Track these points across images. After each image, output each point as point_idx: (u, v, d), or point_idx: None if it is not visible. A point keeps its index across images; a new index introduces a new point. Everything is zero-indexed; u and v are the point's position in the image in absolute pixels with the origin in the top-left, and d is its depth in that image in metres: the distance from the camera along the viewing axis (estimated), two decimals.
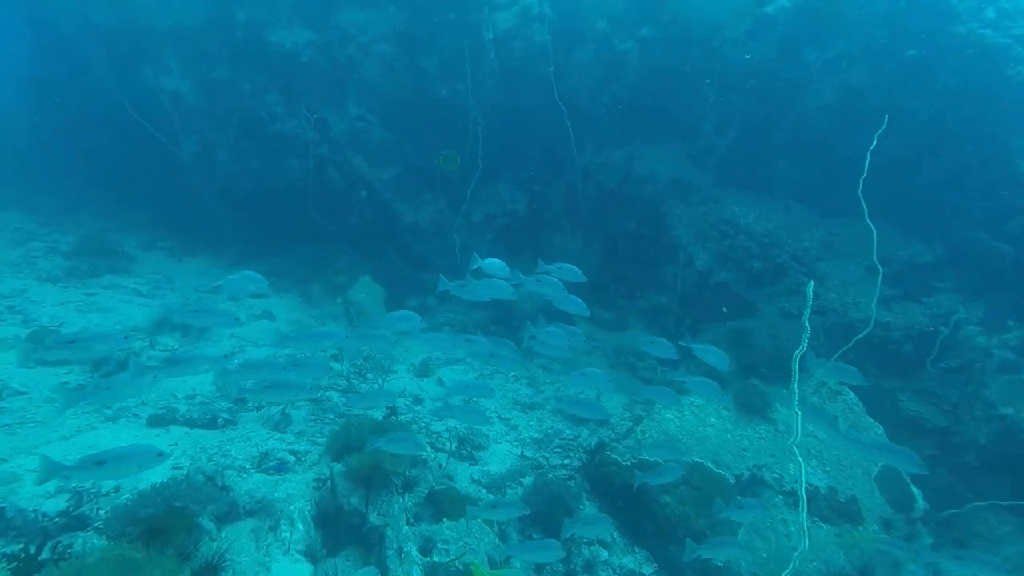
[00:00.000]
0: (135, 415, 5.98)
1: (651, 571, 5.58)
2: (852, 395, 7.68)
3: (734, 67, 11.66)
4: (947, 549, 6.49)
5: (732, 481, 6.16)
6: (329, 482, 5.08)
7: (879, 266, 7.37)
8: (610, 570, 5.46)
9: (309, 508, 4.86)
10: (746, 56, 11.53)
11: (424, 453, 5.55)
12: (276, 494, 4.89)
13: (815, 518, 6.28)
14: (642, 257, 11.72)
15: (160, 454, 3.67)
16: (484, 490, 5.80)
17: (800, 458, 4.44)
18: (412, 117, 12.86)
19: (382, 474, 4.90)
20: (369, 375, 7.59)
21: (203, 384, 6.86)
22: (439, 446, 6.21)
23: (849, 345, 7.19)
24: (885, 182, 11.28)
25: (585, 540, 5.58)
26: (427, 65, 12.36)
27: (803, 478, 4.36)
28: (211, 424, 6.09)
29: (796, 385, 4.63)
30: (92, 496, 4.52)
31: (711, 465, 6.19)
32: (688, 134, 12.47)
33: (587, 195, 12.35)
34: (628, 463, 6.04)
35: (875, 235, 6.96)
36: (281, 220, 12.44)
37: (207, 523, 4.46)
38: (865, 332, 7.41)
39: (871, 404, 8.34)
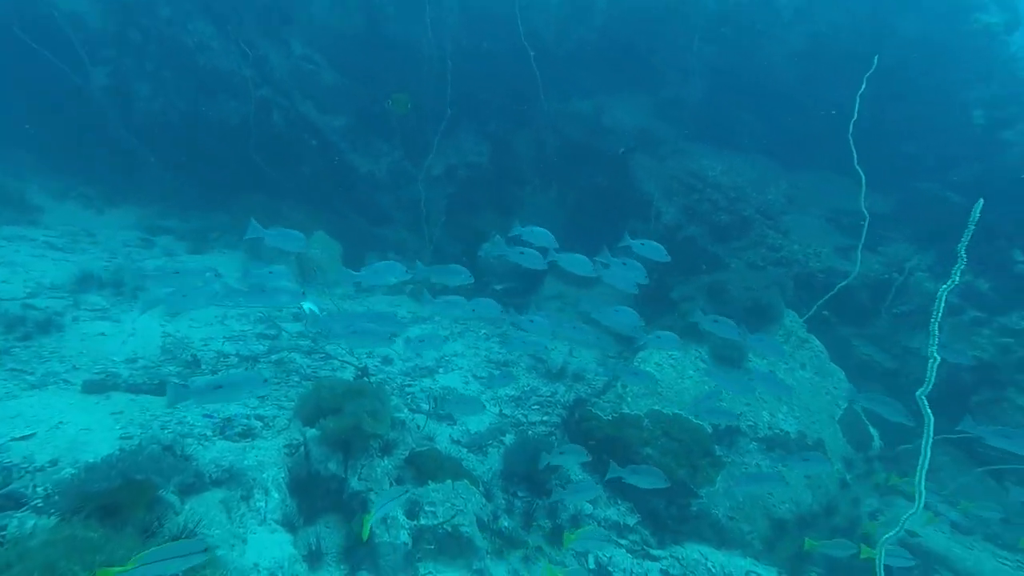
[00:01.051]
0: (65, 381, 5.44)
1: (634, 522, 5.66)
2: (817, 342, 7.96)
3: (705, 13, 11.41)
4: None
5: (709, 431, 6.27)
6: (302, 448, 4.80)
7: (866, 213, 7.50)
8: (595, 523, 5.50)
9: (283, 475, 4.59)
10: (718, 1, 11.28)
11: (402, 414, 5.34)
12: (246, 462, 4.58)
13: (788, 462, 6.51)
14: (610, 211, 11.60)
15: (265, 380, 3.98)
16: (464, 450, 5.67)
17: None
18: (365, 59, 12.01)
19: (361, 437, 4.65)
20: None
21: (146, 346, 6.33)
22: (415, 407, 6.00)
23: (831, 294, 7.40)
24: (844, 133, 11.52)
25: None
26: (381, 0, 11.49)
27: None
28: (160, 389, 5.63)
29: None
30: (23, 472, 4.07)
31: (690, 416, 6.27)
32: (656, 84, 12.24)
33: (554, 147, 12.01)
34: (609, 417, 6.03)
35: (864, 181, 7.02)
36: (221, 168, 11.51)
37: (170, 496, 4.12)
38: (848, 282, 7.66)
39: (832, 351, 8.70)
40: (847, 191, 11.27)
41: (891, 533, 4.30)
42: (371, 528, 4.34)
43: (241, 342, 6.77)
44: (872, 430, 7.92)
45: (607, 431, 5.89)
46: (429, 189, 11.40)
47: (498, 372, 6.91)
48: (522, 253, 5.20)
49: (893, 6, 10.90)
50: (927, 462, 4.07)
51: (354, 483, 4.61)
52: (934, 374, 4.20)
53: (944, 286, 4.20)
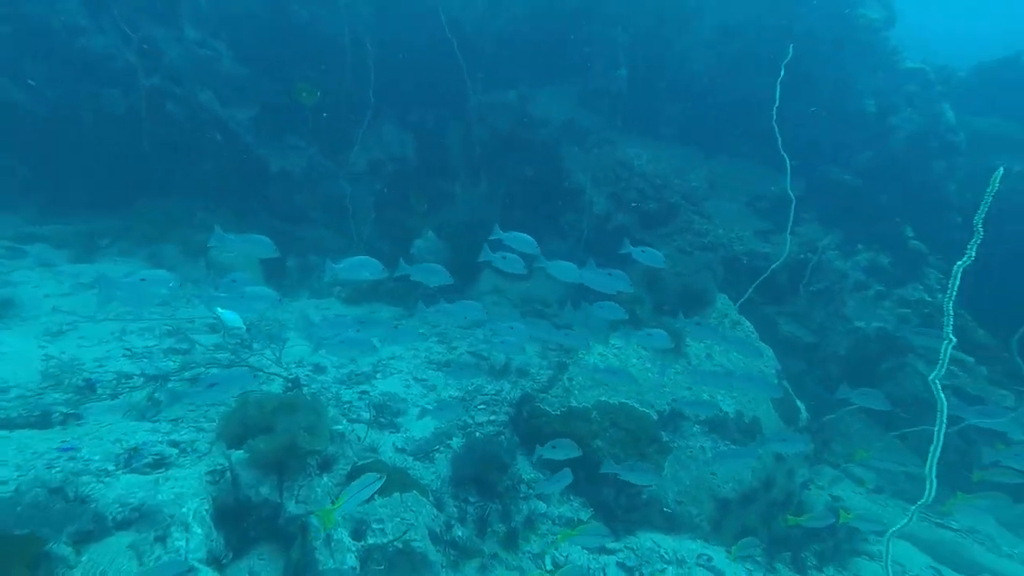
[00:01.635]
0: None
1: (588, 516, 5.59)
2: (748, 323, 8.27)
3: (623, 3, 11.58)
4: None
5: (655, 418, 6.33)
6: (228, 473, 4.30)
7: (791, 195, 7.81)
8: (550, 522, 5.38)
9: (206, 507, 4.07)
10: None
11: (340, 426, 4.94)
12: (160, 496, 4.02)
13: (727, 441, 6.70)
14: (541, 204, 11.56)
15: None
16: (410, 458, 5.36)
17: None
18: (273, 47, 11.19)
19: (298, 456, 4.23)
20: (256, 345, 6.62)
21: (20, 372, 5.47)
22: (354, 416, 5.59)
23: (764, 277, 7.68)
24: (756, 122, 12.11)
25: (522, 495, 5.43)
26: None
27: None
28: (44, 422, 4.88)
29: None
30: None
31: (636, 404, 6.29)
32: (579, 75, 12.31)
33: (482, 139, 11.78)
34: (559, 412, 5.93)
35: (789, 166, 7.30)
36: (106, 166, 10.28)
37: (62, 548, 3.54)
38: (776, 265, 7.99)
39: (759, 329, 9.12)
40: (761, 176, 11.91)
41: (899, 525, 4.39)
42: (314, 554, 3.96)
43: (146, 360, 6.03)
44: (799, 403, 8.37)
45: (556, 426, 5.78)
46: (353, 186, 10.81)
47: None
48: (504, 258, 5.13)
49: (788, 4, 11.57)
50: (939, 448, 4.14)
51: (291, 507, 4.19)
52: (947, 358, 4.20)
53: (959, 263, 4.25)
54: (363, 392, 6.16)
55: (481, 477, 5.24)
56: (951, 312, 4.27)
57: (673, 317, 7.57)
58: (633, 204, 11.11)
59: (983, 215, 4.17)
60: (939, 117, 11.40)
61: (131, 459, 4.44)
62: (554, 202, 11.49)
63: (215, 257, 9.02)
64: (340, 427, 4.92)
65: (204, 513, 3.98)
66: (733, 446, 6.53)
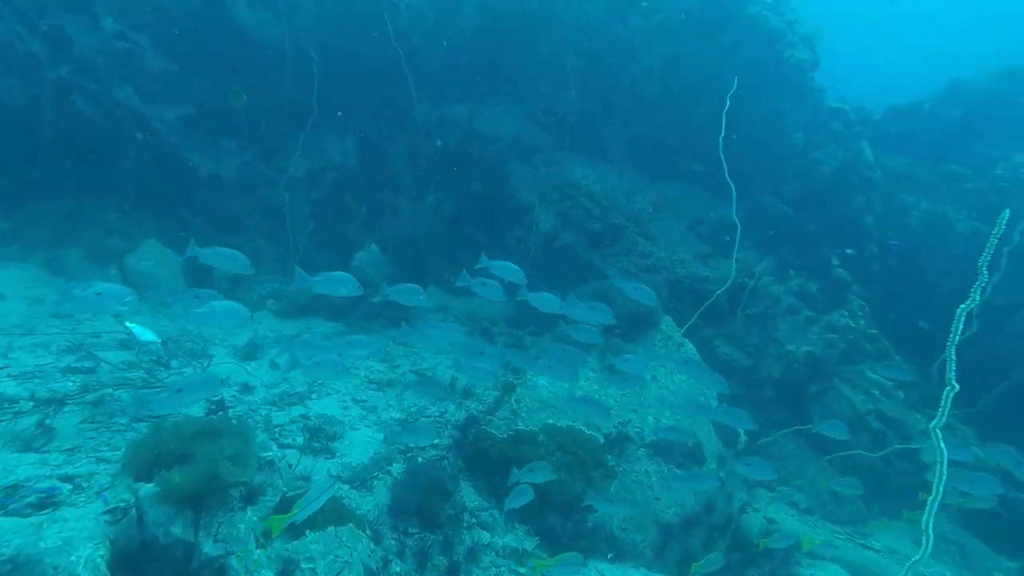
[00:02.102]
0: None
1: (533, 546, 5.40)
2: (691, 346, 8.42)
3: (569, 27, 11.80)
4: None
5: (601, 441, 6.25)
6: (133, 511, 3.80)
7: (737, 222, 8.01)
8: (493, 553, 5.14)
9: (102, 553, 3.56)
10: (577, 15, 11.72)
11: (270, 453, 4.52)
12: (43, 543, 3.48)
13: (671, 465, 6.71)
14: (488, 219, 11.45)
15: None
16: (346, 487, 4.98)
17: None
18: (209, 47, 10.58)
19: (219, 488, 3.80)
20: (175, 363, 6.03)
21: None
22: (285, 441, 5.16)
23: (711, 300, 7.83)
24: (698, 150, 12.59)
25: (465, 525, 5.17)
26: None
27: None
28: None
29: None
30: None
31: (582, 427, 6.19)
32: (528, 94, 12.41)
33: (428, 153, 11.57)
34: (505, 435, 5.73)
35: (735, 194, 7.49)
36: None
37: None
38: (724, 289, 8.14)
39: (699, 351, 9.32)
40: (702, 202, 12.35)
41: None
42: None
43: (37, 379, 5.34)
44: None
45: (503, 450, 5.57)
46: (291, 194, 10.29)
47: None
48: (484, 284, 5.11)
49: (729, 39, 12.19)
50: (939, 497, 4.04)
51: (207, 547, 3.75)
52: (949, 404, 4.09)
53: (963, 305, 4.20)
54: (302, 416, 5.72)
55: (423, 506, 4.95)
56: (954, 357, 4.20)
57: (623, 339, 7.60)
58: (579, 223, 11.21)
59: (987, 258, 4.15)
60: (859, 154, 12.26)
61: (7, 499, 3.85)
62: (501, 218, 11.42)
63: (132, 265, 8.27)
64: (269, 454, 4.50)
65: (99, 560, 3.47)
66: (678, 470, 6.55)
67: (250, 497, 4.21)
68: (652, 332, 8.02)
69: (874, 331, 10.74)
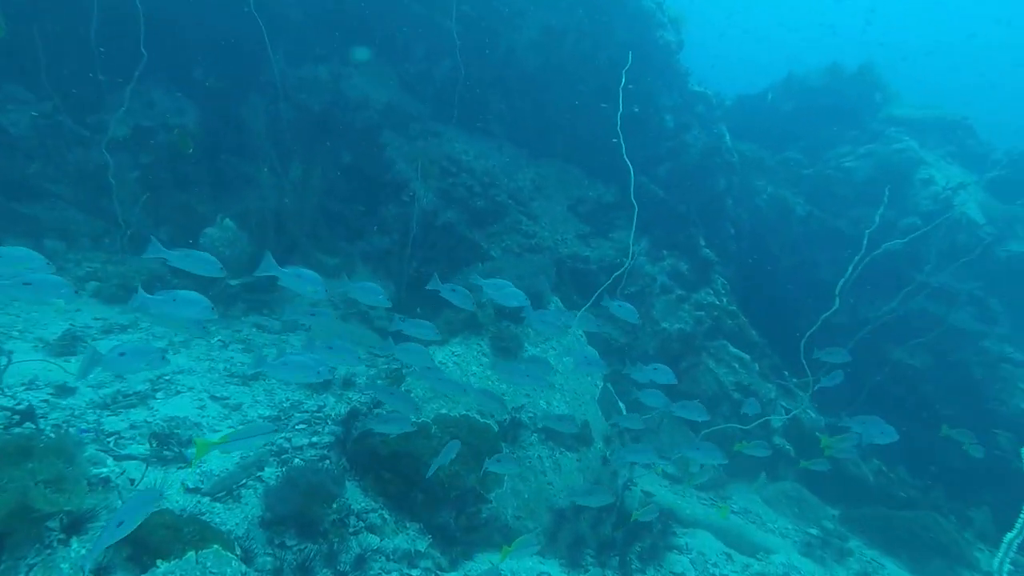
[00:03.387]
0: None
1: (425, 545, 5.21)
2: (580, 331, 8.67)
3: None
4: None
5: (496, 429, 6.20)
6: None
7: (634, 203, 8.25)
8: (383, 558, 4.86)
9: None
10: None
11: (103, 469, 3.77)
12: None
13: (562, 448, 6.87)
14: (361, 194, 10.79)
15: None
16: (207, 499, 4.38)
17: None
18: None
19: (31, 521, 3.08)
20: None
21: None
22: (125, 452, 4.37)
23: (608, 283, 8.03)
24: (575, 128, 12.94)
25: (352, 529, 4.82)
26: None
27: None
28: None
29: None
30: None
31: (476, 416, 6.09)
32: (400, 58, 11.83)
33: (287, 118, 10.56)
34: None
35: (632, 175, 7.74)
36: None
37: None
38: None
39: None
40: (580, 181, 12.75)
41: None
42: None
43: None
44: (620, 404, 9.05)
45: (394, 446, 5.28)
46: (115, 156, 8.78)
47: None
48: (454, 291, 5.03)
49: (604, 16, 12.58)
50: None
51: None
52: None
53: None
54: (145, 421, 4.90)
55: (303, 513, 4.51)
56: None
57: (513, 321, 7.58)
58: (461, 200, 11.01)
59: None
60: (721, 138, 13.42)
61: None
62: (376, 194, 10.84)
63: None
64: (103, 470, 3.78)
65: None
66: (567, 452, 6.73)
67: (75, 526, 3.50)
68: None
69: (733, 307, 11.92)
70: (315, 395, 6.11)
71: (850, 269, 10.07)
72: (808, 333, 8.04)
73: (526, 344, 7.31)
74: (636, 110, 13.01)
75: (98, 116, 9.22)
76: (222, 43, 10.27)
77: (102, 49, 9.20)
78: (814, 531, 8.33)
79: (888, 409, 9.36)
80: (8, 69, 9.00)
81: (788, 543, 7.82)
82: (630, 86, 12.84)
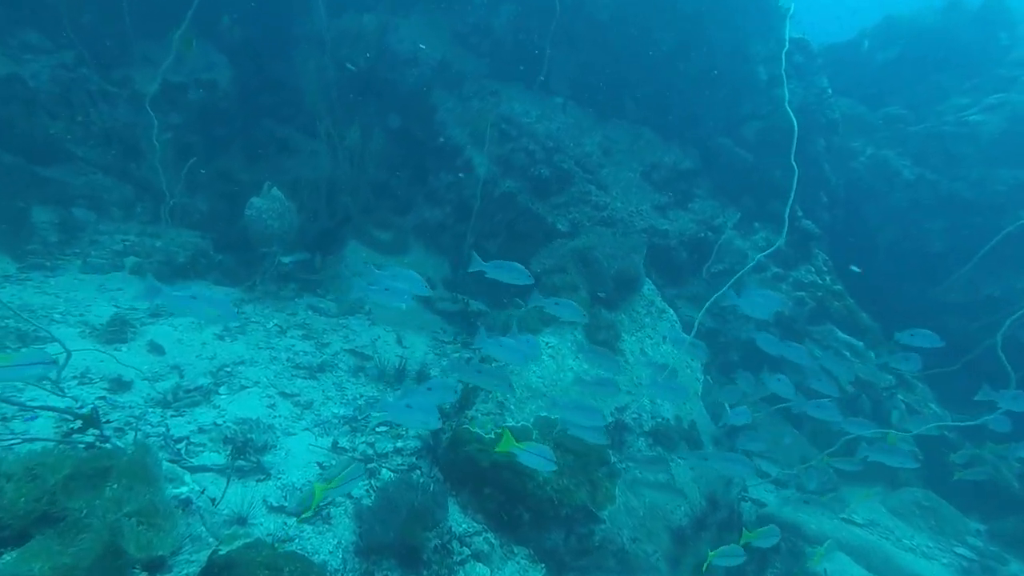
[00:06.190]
0: None
1: (542, 574, 4.75)
2: (672, 312, 8.09)
3: None
4: None
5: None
6: None
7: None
8: None
9: None
10: None
11: (183, 488, 3.36)
12: None
13: (674, 455, 6.35)
14: (410, 162, 10.29)
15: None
16: (293, 520, 3.96)
17: None
18: None
19: (116, 569, 2.66)
20: None
21: None
22: (197, 463, 3.97)
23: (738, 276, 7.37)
24: (652, 84, 12.13)
25: (457, 558, 4.38)
26: None
27: None
28: None
29: None
30: None
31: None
32: (456, 4, 11.19)
33: (332, 76, 10.04)
34: (493, 435, 4.96)
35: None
36: None
37: None
38: None
39: None
40: (655, 145, 12.01)
41: None
42: None
43: None
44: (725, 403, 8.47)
45: (493, 456, 4.80)
46: (139, 115, 8.38)
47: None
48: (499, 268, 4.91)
49: None
50: None
51: None
52: None
53: None
54: (213, 423, 4.51)
55: (403, 540, 4.08)
56: None
57: (607, 307, 7.04)
58: (522, 168, 10.42)
59: None
60: (822, 92, 12.47)
61: None
62: (426, 160, 10.34)
63: None
64: (183, 489, 3.38)
65: None
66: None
67: (155, 567, 3.09)
68: (634, 297, 7.54)
69: (839, 287, 11.15)
70: (389, 390, 5.67)
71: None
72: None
73: (623, 334, 6.74)
74: (722, 61, 12.17)
75: (123, 70, 8.83)
76: None
77: None
78: (963, 551, 7.67)
79: None
80: (20, 13, 8.63)
81: (939, 567, 7.18)
82: (715, 32, 12.00)
